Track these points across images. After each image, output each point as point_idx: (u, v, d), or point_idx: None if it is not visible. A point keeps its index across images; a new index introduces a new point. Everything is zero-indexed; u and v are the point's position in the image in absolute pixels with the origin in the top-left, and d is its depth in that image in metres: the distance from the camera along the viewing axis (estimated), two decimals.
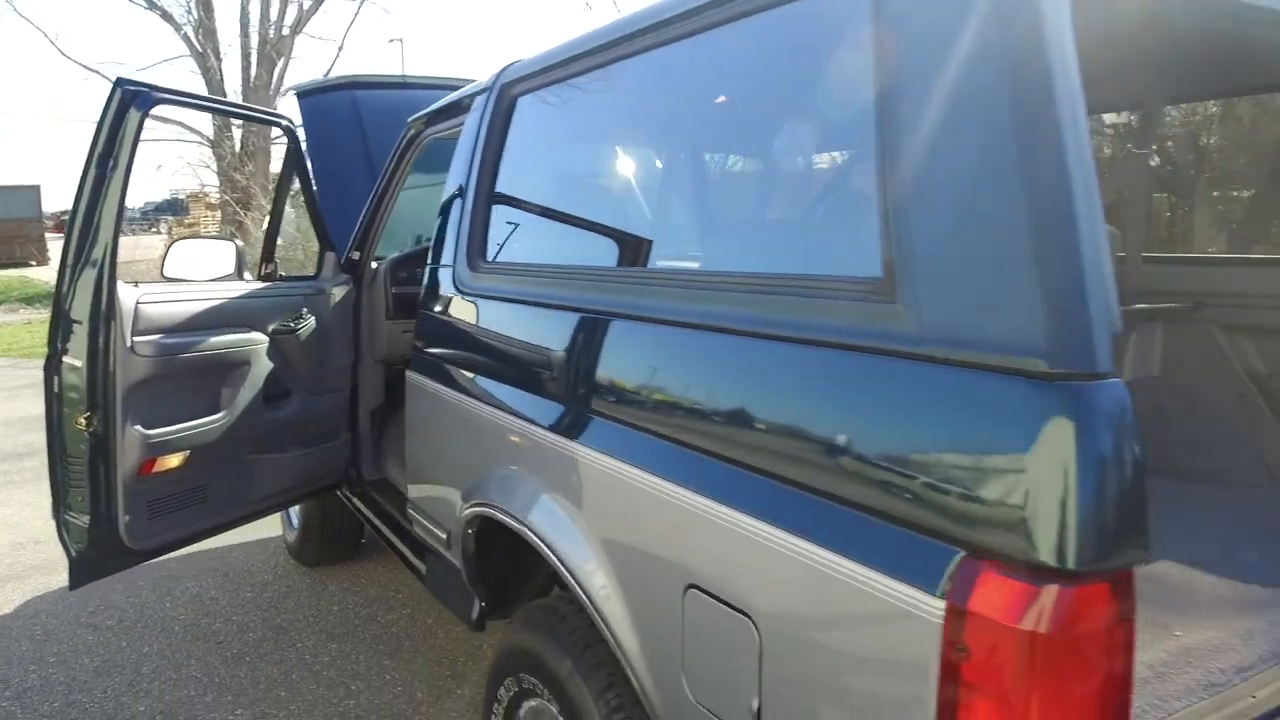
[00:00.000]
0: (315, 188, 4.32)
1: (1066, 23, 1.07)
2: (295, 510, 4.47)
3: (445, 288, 2.48)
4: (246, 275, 3.30)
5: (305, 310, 3.27)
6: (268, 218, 3.58)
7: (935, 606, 1.03)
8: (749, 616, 1.31)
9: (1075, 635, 0.95)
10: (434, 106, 3.06)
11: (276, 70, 14.95)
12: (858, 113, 1.26)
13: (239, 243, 3.36)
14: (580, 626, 1.85)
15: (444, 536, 2.47)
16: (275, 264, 3.36)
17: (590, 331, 1.75)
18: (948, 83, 1.11)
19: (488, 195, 2.42)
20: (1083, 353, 0.96)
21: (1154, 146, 2.61)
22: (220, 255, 3.22)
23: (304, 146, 4.54)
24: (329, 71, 15.05)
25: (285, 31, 14.65)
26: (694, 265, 1.73)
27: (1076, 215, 0.99)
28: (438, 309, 2.52)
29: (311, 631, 3.84)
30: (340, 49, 22.86)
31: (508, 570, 2.30)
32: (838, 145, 1.52)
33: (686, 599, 1.44)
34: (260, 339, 3.11)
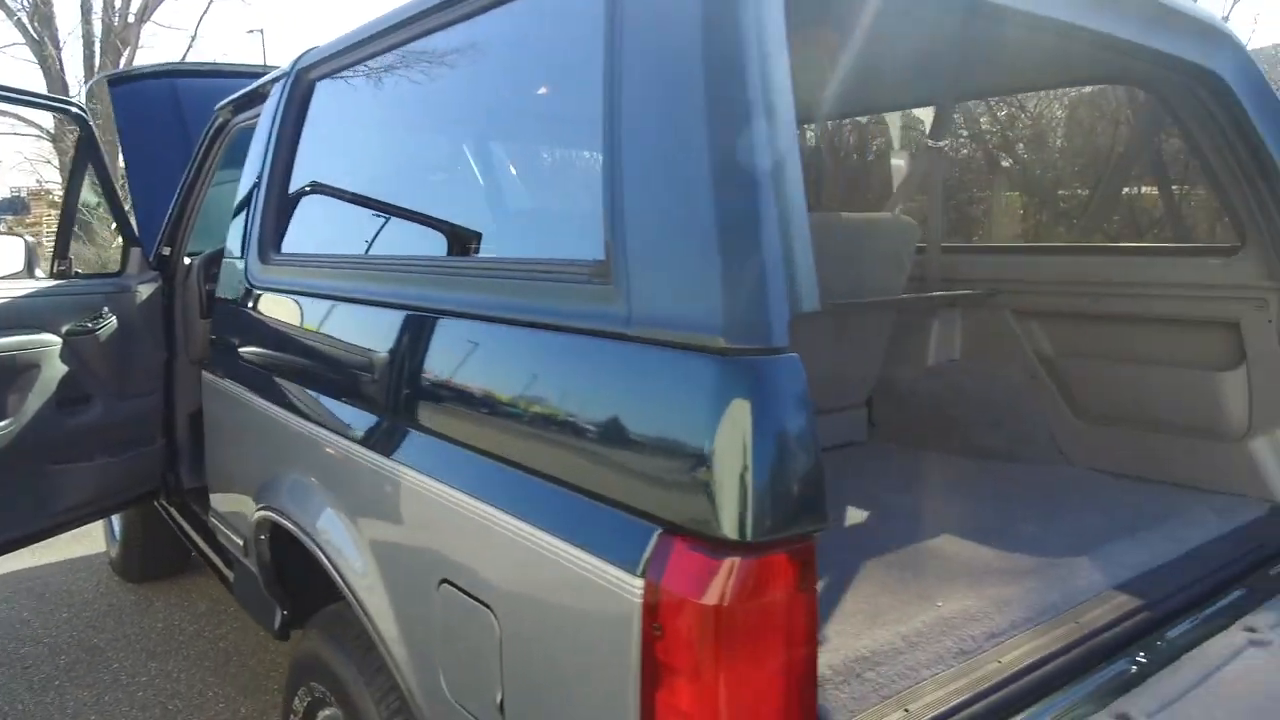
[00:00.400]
0: (130, 181, 4.09)
1: (772, 29, 1.10)
2: (117, 521, 4.21)
3: (237, 281, 2.37)
4: (39, 273, 3.08)
5: (106, 309, 3.07)
6: (60, 211, 3.34)
7: (636, 585, 1.02)
8: (489, 608, 1.29)
9: (756, 606, 0.96)
10: (240, 93, 2.93)
11: (123, 60, 14.09)
12: (592, 98, 1.26)
13: (29, 239, 3.13)
14: (362, 630, 1.79)
15: (241, 543, 2.36)
16: (70, 261, 3.14)
17: (351, 320, 1.70)
18: (657, 78, 1.14)
19: (281, 184, 2.32)
20: (758, 330, 0.98)
21: (946, 141, 2.72)
22: (8, 253, 2.99)
23: (116, 136, 4.28)
24: (182, 60, 14.29)
25: (131, 19, 13.87)
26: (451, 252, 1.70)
27: (759, 204, 1.02)
28: (229, 304, 2.41)
29: (131, 651, 3.62)
30: (194, 38, 21.67)
31: (305, 576, 2.21)
32: (577, 129, 1.51)
33: (440, 594, 1.40)
34: (52, 340, 2.90)
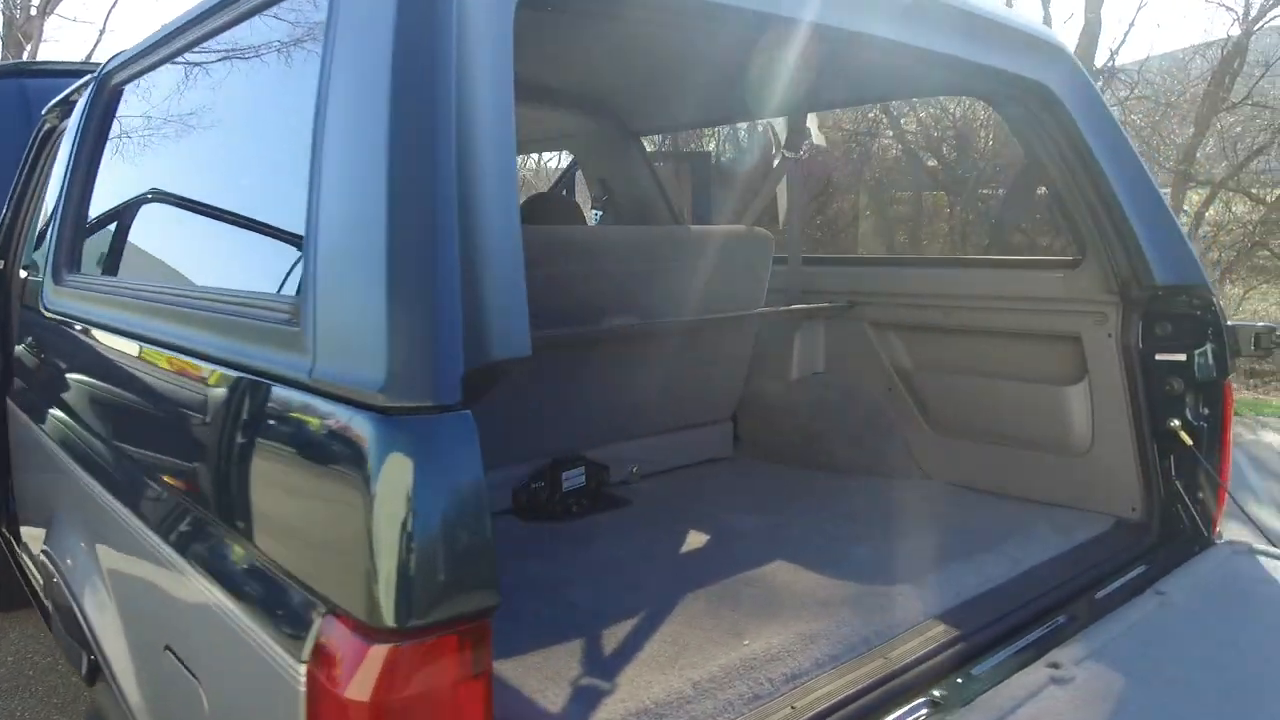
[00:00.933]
0: None
1: (481, 46, 1.01)
2: None
3: (33, 303, 2.20)
4: None
5: None
6: None
7: (300, 674, 0.91)
8: (198, 680, 1.17)
9: (414, 699, 0.85)
10: (60, 97, 2.75)
11: (25, 55, 13.49)
12: (309, 123, 1.15)
13: None
14: None
15: (42, 581, 2.20)
16: None
17: (97, 353, 1.56)
18: (353, 93, 1.04)
19: (79, 198, 2.17)
20: (423, 385, 0.87)
21: (803, 152, 2.65)
22: None
23: None
24: (89, 57, 13.74)
25: (33, 12, 13.27)
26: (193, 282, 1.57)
27: (436, 244, 0.92)
28: (27, 326, 2.24)
29: None
30: (102, 33, 20.71)
31: None
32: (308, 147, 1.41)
33: (164, 660, 1.28)
34: None
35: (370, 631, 0.85)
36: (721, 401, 2.89)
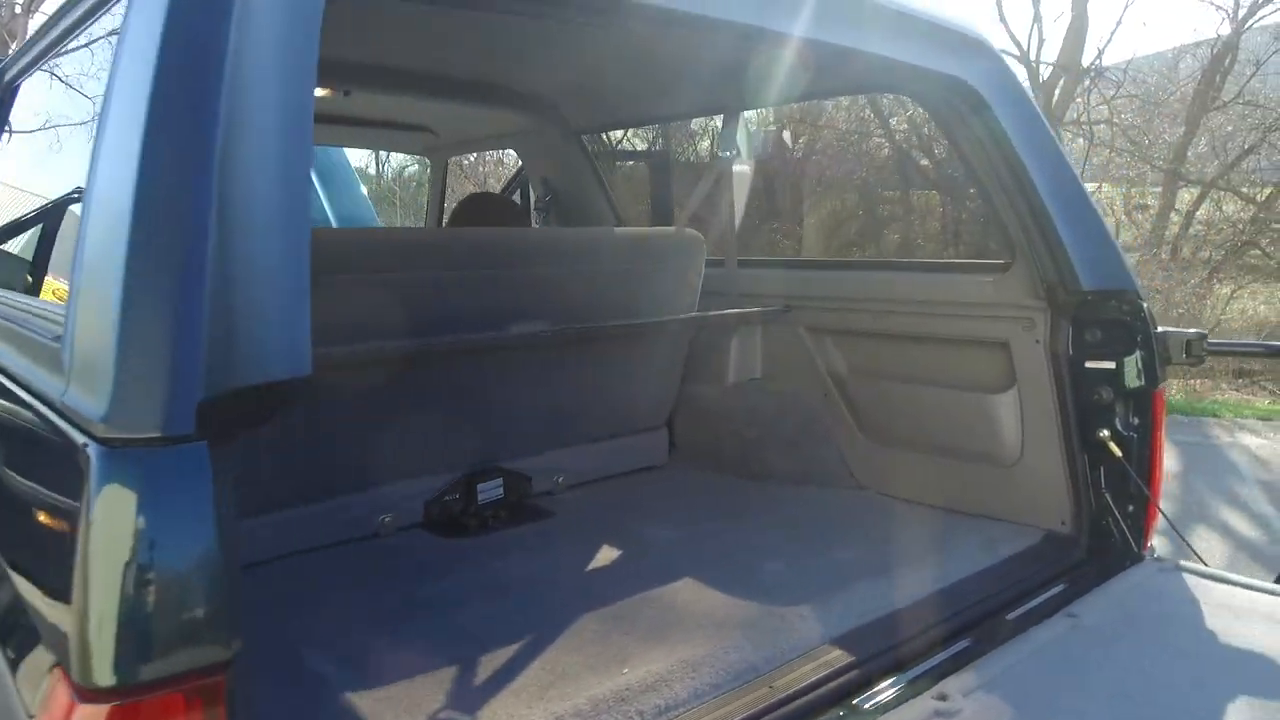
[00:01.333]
0: None
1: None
2: None
3: None
4: None
5: None
6: None
7: None
8: None
9: None
10: None
11: (10, 54, 13.44)
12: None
13: None
14: None
15: None
16: None
17: None
18: (120, 112, 0.96)
19: None
20: (150, 413, 0.79)
21: (736, 150, 2.56)
22: None
23: None
24: None
25: (17, 10, 13.18)
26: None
27: (176, 267, 0.84)
28: None
29: None
30: None
31: None
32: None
33: None
34: None
35: (84, 690, 0.77)
36: (654, 409, 2.80)
